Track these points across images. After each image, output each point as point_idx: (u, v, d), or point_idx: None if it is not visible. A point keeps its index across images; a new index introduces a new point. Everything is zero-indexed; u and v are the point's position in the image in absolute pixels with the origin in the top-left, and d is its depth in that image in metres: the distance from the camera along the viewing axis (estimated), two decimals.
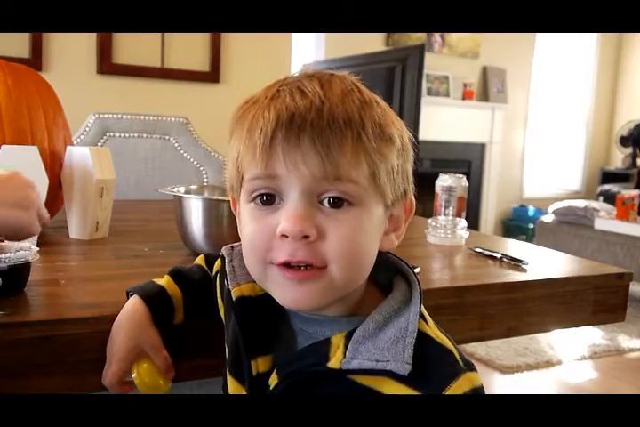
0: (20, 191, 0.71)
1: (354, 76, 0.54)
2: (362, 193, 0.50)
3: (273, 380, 0.54)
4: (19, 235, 0.71)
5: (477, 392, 0.49)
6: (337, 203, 0.50)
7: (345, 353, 0.50)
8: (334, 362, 0.50)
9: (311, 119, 0.48)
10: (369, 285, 0.56)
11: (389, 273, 0.58)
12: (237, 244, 0.61)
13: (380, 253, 0.55)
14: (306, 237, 0.49)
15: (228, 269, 0.60)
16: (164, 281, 0.68)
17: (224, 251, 0.62)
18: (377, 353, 0.49)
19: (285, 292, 0.51)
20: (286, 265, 0.50)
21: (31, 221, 0.71)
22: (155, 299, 0.65)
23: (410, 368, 0.48)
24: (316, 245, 0.49)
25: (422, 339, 0.50)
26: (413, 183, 0.57)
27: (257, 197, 0.52)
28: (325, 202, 0.50)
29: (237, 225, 0.58)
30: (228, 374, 0.60)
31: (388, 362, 0.48)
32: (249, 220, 0.53)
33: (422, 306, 0.54)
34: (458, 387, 0.48)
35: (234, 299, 0.58)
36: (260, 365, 0.56)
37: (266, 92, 0.52)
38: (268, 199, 0.51)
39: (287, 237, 0.49)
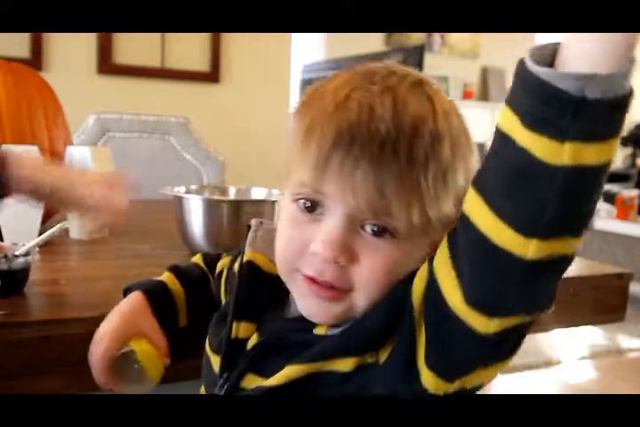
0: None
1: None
2: (408, 229, 0.47)
3: (252, 340, 0.53)
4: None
5: None
6: (379, 232, 0.47)
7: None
8: (320, 329, 0.50)
9: (371, 150, 0.44)
10: None
11: None
12: (269, 222, 0.60)
13: None
14: (336, 262, 0.47)
15: (250, 235, 0.59)
16: (166, 278, 0.67)
17: (253, 222, 0.61)
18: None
19: (305, 303, 0.50)
20: (312, 279, 0.49)
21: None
22: (157, 295, 0.63)
23: None
24: (347, 269, 0.48)
25: None
26: None
27: (300, 199, 0.50)
28: (368, 228, 0.47)
29: (275, 212, 0.57)
30: (207, 347, 0.58)
31: None
32: (288, 220, 0.51)
33: None
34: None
35: (244, 260, 0.57)
36: (241, 329, 0.54)
37: (334, 93, 0.48)
38: (312, 206, 0.49)
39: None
